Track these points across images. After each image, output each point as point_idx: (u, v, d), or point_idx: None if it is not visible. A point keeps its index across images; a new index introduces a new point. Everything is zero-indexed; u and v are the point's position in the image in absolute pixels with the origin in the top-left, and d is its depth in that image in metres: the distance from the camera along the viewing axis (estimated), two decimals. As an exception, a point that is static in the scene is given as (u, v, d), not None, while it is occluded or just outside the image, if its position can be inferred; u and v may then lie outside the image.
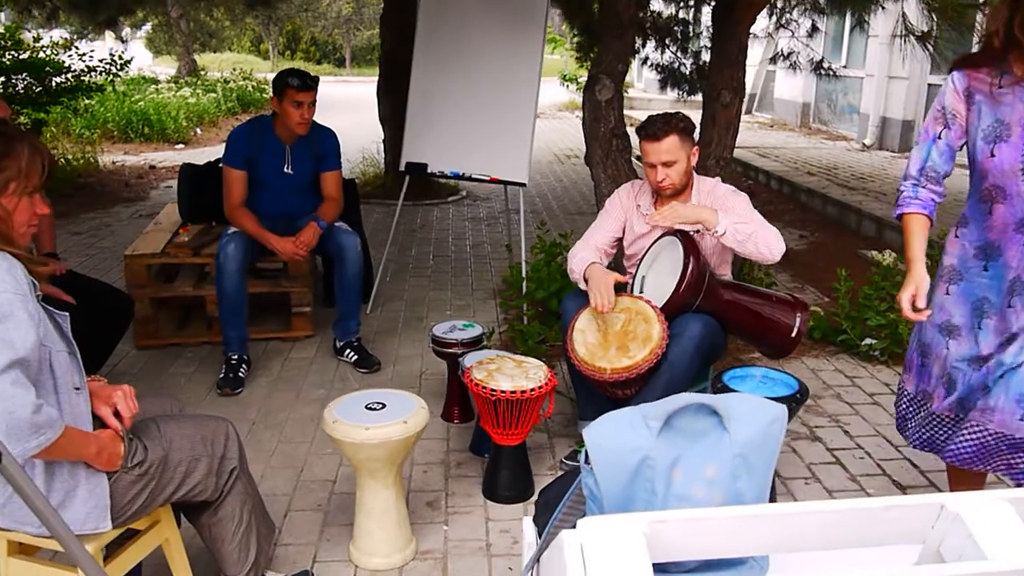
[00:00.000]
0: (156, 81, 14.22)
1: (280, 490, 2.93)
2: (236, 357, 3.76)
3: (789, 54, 8.17)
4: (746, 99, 15.61)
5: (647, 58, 9.59)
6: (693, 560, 1.47)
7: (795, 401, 2.62)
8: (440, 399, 3.54)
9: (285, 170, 3.91)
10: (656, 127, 2.96)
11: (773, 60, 8.55)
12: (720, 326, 3.08)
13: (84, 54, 7.82)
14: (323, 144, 4.00)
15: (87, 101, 9.82)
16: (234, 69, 16.14)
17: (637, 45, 9.27)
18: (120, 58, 7.94)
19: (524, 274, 4.35)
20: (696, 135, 3.12)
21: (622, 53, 4.19)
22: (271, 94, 3.82)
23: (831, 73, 8.13)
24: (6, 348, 1.61)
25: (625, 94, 14.86)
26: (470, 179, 4.56)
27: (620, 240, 3.30)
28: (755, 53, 10.95)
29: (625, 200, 3.26)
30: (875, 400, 3.67)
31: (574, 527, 1.25)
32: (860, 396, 3.71)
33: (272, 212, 3.93)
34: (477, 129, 4.49)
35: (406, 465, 3.09)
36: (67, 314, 1.89)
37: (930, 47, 5.44)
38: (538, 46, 4.38)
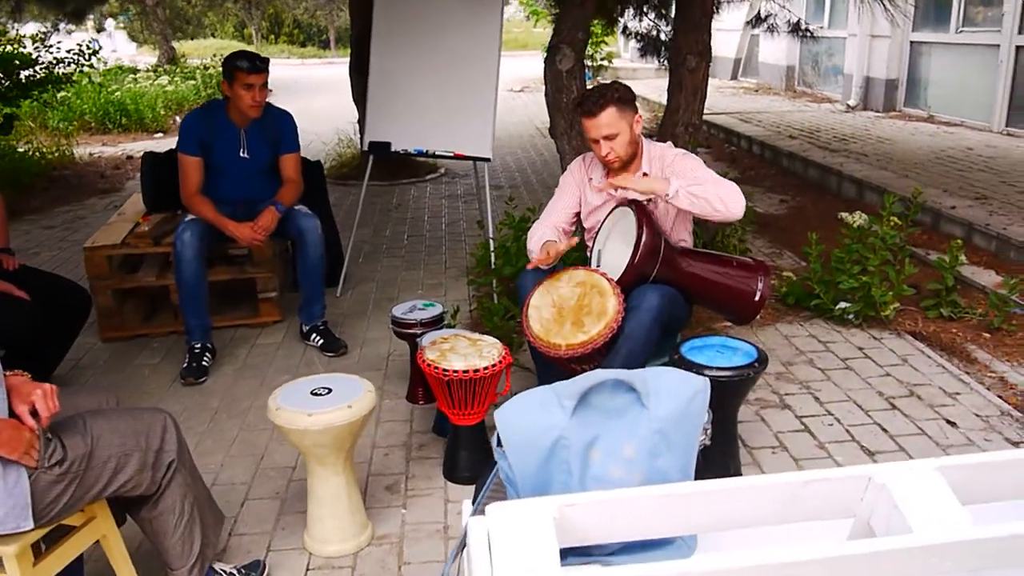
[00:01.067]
0: (135, 70, 14.06)
1: (239, 479, 2.89)
2: (199, 346, 3.71)
3: (766, 16, 8.07)
4: (731, 64, 15.46)
5: (626, 27, 9.49)
6: (614, 543, 1.43)
7: (752, 369, 2.57)
8: (406, 380, 3.50)
9: (241, 154, 3.84)
10: (591, 102, 2.88)
11: (752, 23, 8.45)
12: (681, 295, 3.03)
13: (51, 46, 7.71)
14: (280, 127, 3.93)
15: (63, 93, 9.70)
16: (214, 55, 15.95)
17: (616, 14, 9.19)
18: (87, 48, 7.81)
19: (492, 250, 4.29)
20: (641, 101, 3.04)
21: (581, 21, 4.10)
22: (221, 78, 3.74)
23: (810, 35, 8.04)
24: None
25: (610, 65, 14.68)
26: (434, 156, 4.49)
27: (578, 216, 3.24)
28: (737, 17, 10.82)
29: (577, 174, 3.19)
30: (848, 365, 3.62)
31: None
32: (833, 361, 3.67)
33: (231, 197, 3.86)
34: (439, 105, 4.41)
35: (366, 448, 3.05)
36: None
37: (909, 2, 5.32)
38: (496, 18, 4.29)
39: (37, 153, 8.25)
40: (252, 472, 2.93)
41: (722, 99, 12.26)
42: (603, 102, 2.90)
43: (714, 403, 2.61)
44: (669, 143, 3.18)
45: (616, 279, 2.88)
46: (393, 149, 4.53)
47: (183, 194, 3.78)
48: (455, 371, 2.62)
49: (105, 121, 10.66)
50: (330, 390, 2.41)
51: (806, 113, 10.46)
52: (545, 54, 4.18)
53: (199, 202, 3.75)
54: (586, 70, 17.81)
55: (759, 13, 8.26)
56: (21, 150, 8.20)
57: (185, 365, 3.66)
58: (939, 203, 5.46)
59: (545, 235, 3.08)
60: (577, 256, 3.45)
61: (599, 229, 3.16)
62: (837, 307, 4.00)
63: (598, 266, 3.08)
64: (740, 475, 2.74)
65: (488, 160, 4.41)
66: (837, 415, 3.19)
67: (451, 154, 4.44)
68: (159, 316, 4.30)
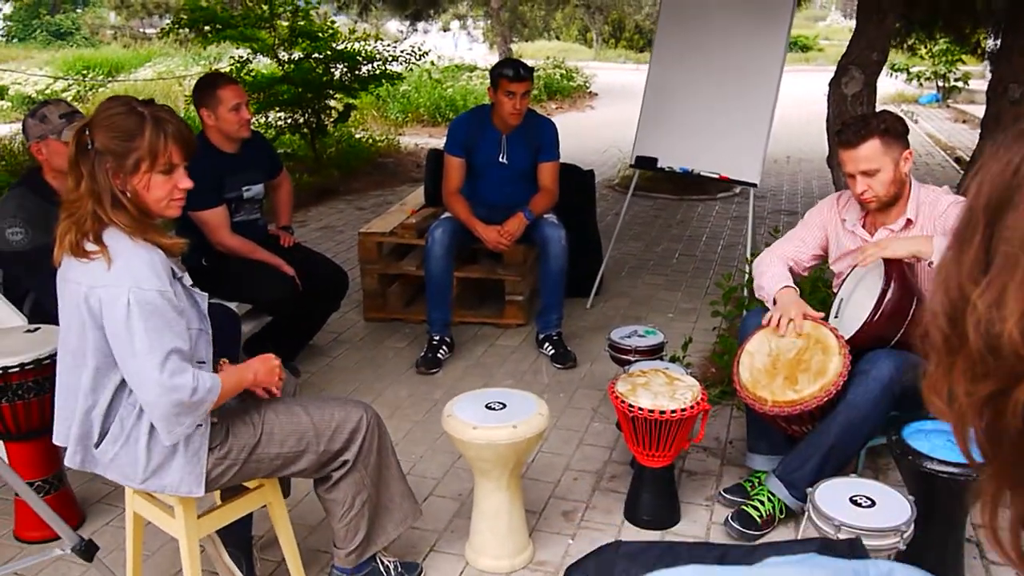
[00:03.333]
0: (472, 68, 15.16)
1: (431, 473, 2.99)
2: (438, 338, 3.89)
3: None
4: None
5: (979, 44, 8.44)
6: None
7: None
8: (619, 405, 3.39)
9: (500, 159, 3.96)
10: (852, 131, 2.54)
11: None
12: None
13: (390, 45, 8.56)
14: (541, 135, 3.98)
15: (404, 87, 10.73)
16: (547, 57, 16.72)
17: (968, 31, 8.17)
18: (419, 49, 8.57)
19: (744, 283, 4.01)
20: (912, 136, 2.63)
21: (878, 40, 3.67)
22: (488, 84, 3.87)
23: None
24: (161, 343, 1.77)
25: (965, 86, 13.05)
26: (699, 176, 4.29)
27: (820, 258, 2.91)
28: None
29: (827, 212, 2.86)
30: None
31: None
32: None
33: (489, 200, 4.00)
34: (711, 124, 4.21)
35: (558, 470, 3.00)
36: (206, 295, 2.01)
37: None
38: (782, 40, 3.99)
39: (369, 140, 9.21)
40: (445, 469, 3.01)
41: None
42: (866, 133, 2.56)
43: (933, 502, 2.22)
44: (946, 187, 2.74)
45: (848, 337, 2.55)
46: (659, 165, 4.41)
47: (443, 192, 3.99)
48: (640, 409, 2.48)
49: (436, 115, 11.62)
50: (504, 406, 2.39)
51: None
52: (897, 73, 3.81)
53: (456, 201, 3.93)
54: (936, 91, 16.10)
55: None
56: (357, 136, 9.21)
57: (422, 354, 3.86)
58: None
59: (779, 276, 2.80)
60: (817, 301, 3.11)
61: (847, 276, 2.82)
62: None
63: (836, 317, 2.74)
64: (963, 591, 2.29)
65: (755, 185, 4.12)
66: None
67: (716, 175, 4.22)
68: (417, 304, 4.58)
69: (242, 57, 7.69)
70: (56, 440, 1.97)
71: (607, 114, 14.13)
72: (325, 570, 2.43)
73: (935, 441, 2.26)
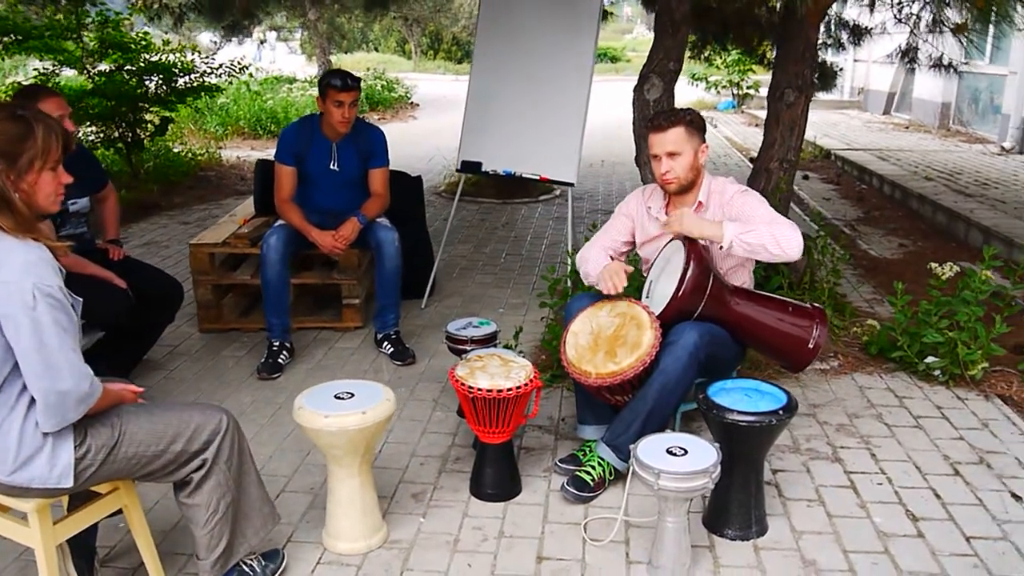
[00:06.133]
0: (291, 80, 14.98)
1: (282, 471, 3.06)
2: (277, 343, 3.94)
3: (907, 50, 7.68)
4: (884, 99, 14.76)
5: (764, 55, 9.28)
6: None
7: (775, 417, 2.50)
8: (460, 395, 3.59)
9: (331, 167, 4.06)
10: (663, 117, 2.94)
11: (892, 57, 8.06)
12: (729, 336, 2.97)
13: (206, 57, 8.38)
14: (370, 142, 4.13)
15: (221, 100, 10.49)
16: (367, 69, 16.77)
17: (755, 44, 9.00)
18: (239, 63, 8.45)
19: (567, 275, 4.32)
20: (712, 139, 3.02)
21: (674, 50, 4.09)
22: (316, 94, 3.98)
23: (953, 71, 7.59)
24: (69, 332, 1.90)
25: (756, 94, 14.28)
26: (521, 178, 4.58)
27: (631, 244, 3.24)
28: (881, 49, 10.35)
29: (633, 204, 3.21)
30: (919, 424, 3.42)
31: None
32: (904, 418, 3.47)
33: (321, 207, 4.09)
34: (529, 128, 4.50)
35: (404, 456, 3.16)
36: (81, 299, 2.05)
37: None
38: (590, 47, 4.35)
39: (189, 154, 8.96)
40: (296, 466, 3.10)
41: (867, 134, 11.75)
42: (675, 120, 2.95)
43: (736, 448, 2.57)
44: (732, 178, 3.14)
45: (658, 313, 2.87)
46: (483, 169, 4.66)
47: (276, 200, 4.05)
48: (479, 389, 2.68)
49: (257, 127, 11.43)
50: (352, 395, 2.53)
51: (952, 154, 9.86)
52: (697, 82, 4.20)
53: (289, 209, 4.00)
54: (732, 98, 17.49)
55: (901, 46, 7.88)
56: (176, 150, 8.93)
57: (262, 361, 3.90)
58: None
59: (600, 260, 3.11)
60: (632, 286, 3.44)
61: (655, 260, 3.16)
62: (923, 362, 3.78)
63: (648, 297, 3.07)
64: (763, 525, 2.66)
65: (572, 185, 4.45)
66: (890, 475, 3.03)
67: (537, 177, 4.52)
68: (255, 313, 4.58)
69: (47, 70, 7.30)
70: None
71: (430, 124, 14.38)
72: (183, 571, 2.47)
73: (734, 396, 2.62)
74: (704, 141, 3.01)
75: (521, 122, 4.53)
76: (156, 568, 2.28)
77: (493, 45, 4.63)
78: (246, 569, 2.35)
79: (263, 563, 2.41)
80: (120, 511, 2.24)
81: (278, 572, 2.43)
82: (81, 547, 2.32)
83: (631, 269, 3.00)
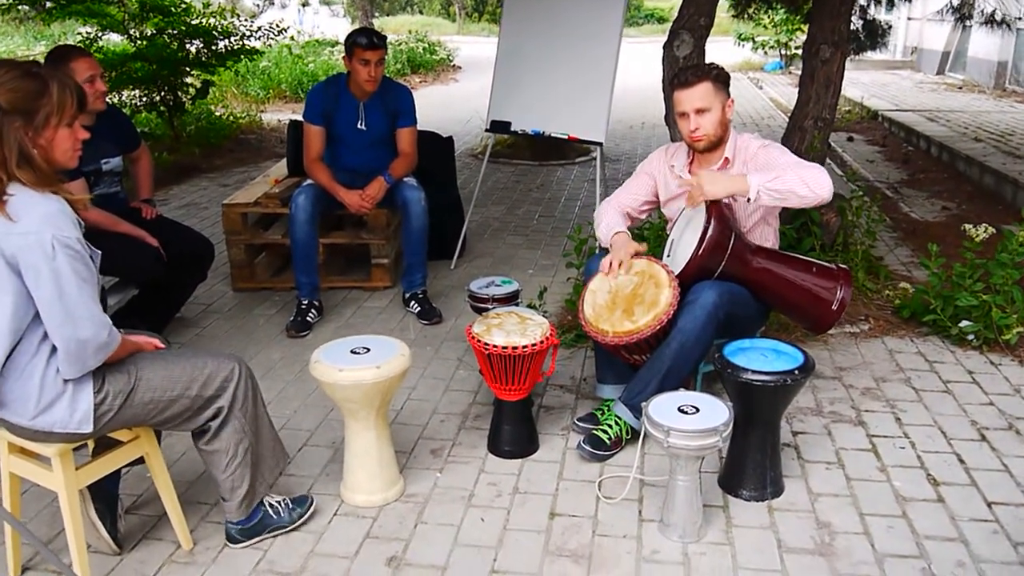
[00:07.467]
0: (334, 44, 15.00)
1: (305, 426, 3.12)
2: (306, 302, 4.00)
3: (961, 4, 7.42)
4: (938, 58, 14.28)
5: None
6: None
7: (790, 377, 2.47)
8: (483, 354, 3.61)
9: (359, 126, 4.08)
10: (689, 73, 2.90)
11: (942, 13, 7.80)
12: (750, 296, 2.94)
13: (248, 20, 8.43)
14: (398, 101, 4.12)
15: (263, 64, 10.55)
16: (409, 31, 16.72)
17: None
18: (277, 26, 8.49)
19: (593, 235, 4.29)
20: (757, 101, 2.96)
21: (705, 6, 4.00)
22: (343, 53, 3.98)
23: (1008, 27, 7.33)
24: (88, 282, 1.96)
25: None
26: (550, 138, 4.54)
27: (653, 204, 3.21)
28: (936, 4, 9.99)
29: (656, 162, 3.16)
30: (948, 388, 3.35)
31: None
32: (933, 383, 3.41)
33: (349, 166, 4.12)
34: (558, 87, 4.47)
35: (425, 413, 3.20)
36: (100, 252, 2.11)
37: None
38: (620, 8, 4.27)
39: (230, 117, 9.06)
40: (319, 422, 3.15)
41: (917, 95, 11.40)
42: (701, 75, 2.90)
43: (752, 408, 2.55)
44: (756, 134, 3.07)
45: (677, 272, 2.84)
46: (512, 129, 4.63)
47: (304, 160, 4.08)
48: (495, 346, 2.70)
49: (299, 90, 11.49)
50: (368, 350, 2.56)
51: (1007, 115, 9.53)
52: (743, 42, 4.13)
53: (317, 168, 4.03)
54: (780, 59, 17.07)
55: (954, 2, 7.60)
56: (217, 114, 9.03)
57: (291, 319, 3.97)
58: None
59: (613, 223, 3.08)
60: (655, 245, 3.42)
61: (676, 219, 3.13)
62: (957, 326, 3.70)
63: (669, 256, 3.05)
64: (779, 486, 2.64)
65: (600, 144, 4.41)
66: (914, 439, 2.98)
67: (566, 136, 4.48)
68: (287, 273, 4.65)
69: (89, 34, 7.42)
70: None
71: (472, 86, 14.30)
72: (205, 519, 2.55)
73: (751, 356, 2.60)
74: (730, 96, 2.96)
75: (550, 81, 4.49)
76: (176, 511, 2.36)
77: (522, 3, 4.57)
78: (270, 512, 2.43)
79: (291, 507, 2.49)
80: (143, 460, 2.31)
81: (305, 516, 2.51)
82: (104, 494, 2.40)
83: (643, 248, 2.95)
